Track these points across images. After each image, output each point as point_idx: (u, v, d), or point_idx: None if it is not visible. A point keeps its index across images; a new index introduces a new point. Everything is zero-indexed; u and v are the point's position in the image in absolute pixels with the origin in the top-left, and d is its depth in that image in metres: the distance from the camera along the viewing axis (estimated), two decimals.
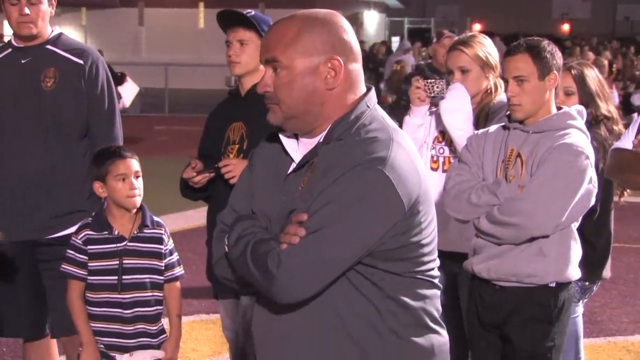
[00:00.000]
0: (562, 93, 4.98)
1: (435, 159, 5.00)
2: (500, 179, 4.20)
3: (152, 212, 4.53)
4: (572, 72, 4.97)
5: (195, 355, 6.98)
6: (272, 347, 2.95)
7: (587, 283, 4.89)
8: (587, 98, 4.93)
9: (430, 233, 2.88)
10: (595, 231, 4.83)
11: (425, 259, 2.88)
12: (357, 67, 2.93)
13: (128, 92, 17.20)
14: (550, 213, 4.06)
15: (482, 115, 4.82)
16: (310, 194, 2.79)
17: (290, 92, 2.85)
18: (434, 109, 5.03)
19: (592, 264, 4.82)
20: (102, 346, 4.43)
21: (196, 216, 9.99)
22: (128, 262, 4.39)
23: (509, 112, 4.28)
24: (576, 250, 4.24)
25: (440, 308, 2.97)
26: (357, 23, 45.29)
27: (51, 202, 4.85)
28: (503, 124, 4.32)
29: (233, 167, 4.60)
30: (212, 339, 7.21)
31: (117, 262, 4.38)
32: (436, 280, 2.94)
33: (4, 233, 4.88)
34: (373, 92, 2.95)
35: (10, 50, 4.99)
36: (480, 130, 4.46)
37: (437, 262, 2.95)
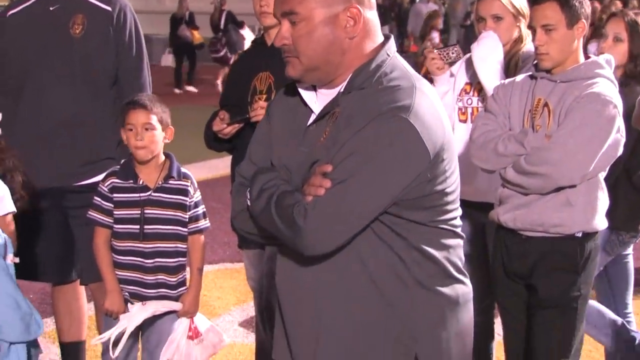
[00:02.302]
0: (610, 39, 4.98)
1: (463, 110, 4.99)
2: (527, 129, 4.18)
3: (178, 162, 4.55)
4: (626, 19, 4.96)
5: (220, 304, 7.04)
6: (296, 299, 2.98)
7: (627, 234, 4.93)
8: (637, 48, 4.92)
9: (454, 182, 2.89)
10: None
11: (449, 207, 2.90)
12: (374, 15, 2.94)
13: (247, 36, 17.44)
14: (577, 162, 4.05)
15: (512, 64, 4.80)
16: (333, 144, 2.80)
17: (309, 43, 2.85)
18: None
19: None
20: (126, 294, 4.47)
21: (221, 165, 10.01)
22: (151, 212, 4.42)
23: (536, 61, 4.27)
24: (603, 200, 4.23)
25: (463, 258, 2.99)
26: None
27: (79, 149, 4.86)
28: (530, 73, 4.30)
29: (264, 112, 4.60)
30: (237, 288, 7.27)
31: (139, 212, 4.41)
32: (459, 230, 2.96)
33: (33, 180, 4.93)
34: (392, 40, 2.96)
35: None
36: (507, 80, 4.44)
37: (460, 212, 2.97)
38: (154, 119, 4.39)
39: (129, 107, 4.44)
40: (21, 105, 4.92)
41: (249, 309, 6.45)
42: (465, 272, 3.00)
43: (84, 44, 4.86)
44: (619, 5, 14.81)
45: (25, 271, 5.11)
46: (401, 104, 2.77)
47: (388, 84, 2.84)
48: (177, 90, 20.53)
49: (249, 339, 6.13)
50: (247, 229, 3.02)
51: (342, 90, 2.88)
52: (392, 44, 2.94)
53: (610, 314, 4.98)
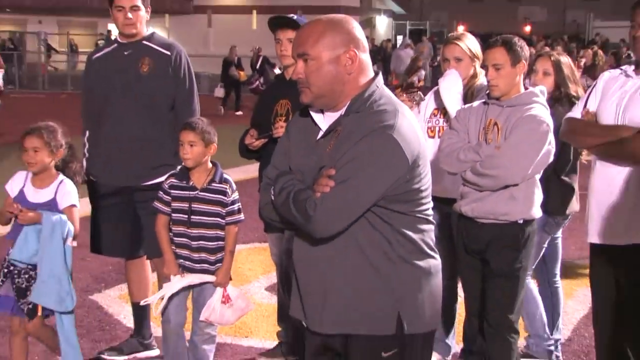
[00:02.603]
0: (541, 74, 4.95)
1: (432, 129, 4.95)
2: (482, 142, 4.16)
3: (222, 168, 4.52)
4: (552, 58, 4.95)
5: (251, 274, 7.02)
6: (308, 270, 2.96)
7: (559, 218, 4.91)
8: (560, 79, 4.91)
9: (427, 182, 2.88)
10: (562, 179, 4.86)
11: (423, 201, 2.88)
12: (367, 57, 2.92)
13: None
14: (519, 167, 4.03)
15: (469, 94, 4.78)
16: (336, 153, 2.79)
17: (318, 77, 2.84)
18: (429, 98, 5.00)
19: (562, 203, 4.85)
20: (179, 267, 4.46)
21: (251, 169, 9.94)
22: (196, 206, 4.39)
23: (488, 91, 4.24)
24: (538, 195, 4.20)
25: (434, 239, 2.96)
26: (370, 25, 44.95)
27: (145, 158, 4.84)
28: (483, 100, 4.28)
29: (284, 130, 4.58)
30: (264, 262, 7.25)
31: (187, 205, 4.39)
32: (431, 218, 2.94)
33: (111, 180, 4.92)
34: (380, 75, 2.94)
35: (116, 45, 4.98)
36: (466, 105, 4.42)
37: (431, 204, 2.95)
38: (197, 138, 4.37)
39: (181, 128, 4.43)
40: (102, 126, 4.91)
41: (273, 278, 6.42)
42: (436, 250, 2.97)
43: (149, 80, 4.84)
44: (546, 48, 14.79)
45: (105, 249, 5.12)
46: (387, 124, 2.76)
47: (377, 108, 2.83)
48: (223, 113, 20.60)
49: (272, 300, 6.10)
50: (271, 217, 3.00)
51: (342, 113, 2.87)
52: (380, 78, 2.93)
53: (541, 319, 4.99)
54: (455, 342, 5.11)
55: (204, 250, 4.42)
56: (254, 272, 7.06)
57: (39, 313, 4.36)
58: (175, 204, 4.42)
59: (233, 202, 4.44)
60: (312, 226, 2.76)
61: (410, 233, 2.86)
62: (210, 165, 4.46)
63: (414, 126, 2.86)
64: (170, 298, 4.44)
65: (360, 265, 2.85)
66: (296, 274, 3.04)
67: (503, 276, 4.18)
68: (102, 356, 5.07)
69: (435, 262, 2.95)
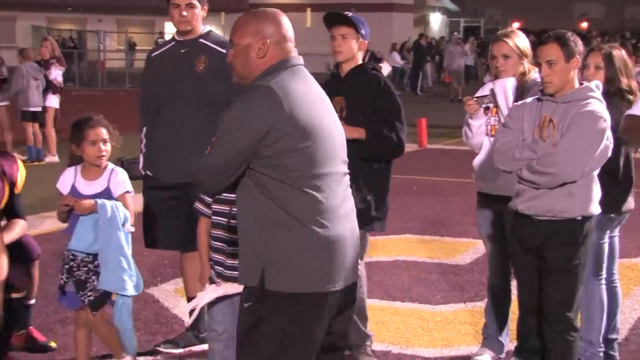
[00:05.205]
0: (593, 68, 4.86)
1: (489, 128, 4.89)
2: (538, 139, 4.11)
3: None
4: (602, 52, 4.85)
5: None
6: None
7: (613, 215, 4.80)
8: (612, 73, 4.81)
9: (292, 153, 3.07)
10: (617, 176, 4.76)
11: (290, 168, 3.06)
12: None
13: (385, 68, 17.92)
14: (577, 164, 3.98)
15: (520, 91, 4.72)
16: None
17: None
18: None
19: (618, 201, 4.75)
20: (212, 273, 4.13)
21: None
22: (236, 210, 4.27)
23: (542, 88, 4.18)
24: (596, 192, 4.14)
25: (322, 210, 3.08)
26: (424, 22, 44.78)
27: (199, 155, 4.84)
28: (537, 97, 4.21)
29: None
30: None
31: (228, 209, 4.26)
32: (310, 191, 3.07)
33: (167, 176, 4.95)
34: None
35: (173, 43, 5.03)
36: (518, 102, 4.37)
37: (322, 179, 3.11)
38: None
39: None
40: (159, 123, 4.96)
41: None
42: (322, 222, 3.07)
43: (205, 78, 4.86)
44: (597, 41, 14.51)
45: (161, 241, 5.16)
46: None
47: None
48: None
49: None
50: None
51: None
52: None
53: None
54: (509, 340, 5.06)
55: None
56: None
57: (99, 304, 4.40)
58: (216, 207, 4.19)
59: None
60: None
61: (281, 198, 3.03)
62: None
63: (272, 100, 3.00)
64: (211, 305, 4.29)
65: (244, 222, 3.15)
66: None
67: (560, 273, 4.13)
68: (159, 349, 5.12)
69: (309, 232, 3.04)
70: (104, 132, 4.38)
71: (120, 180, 4.41)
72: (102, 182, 4.41)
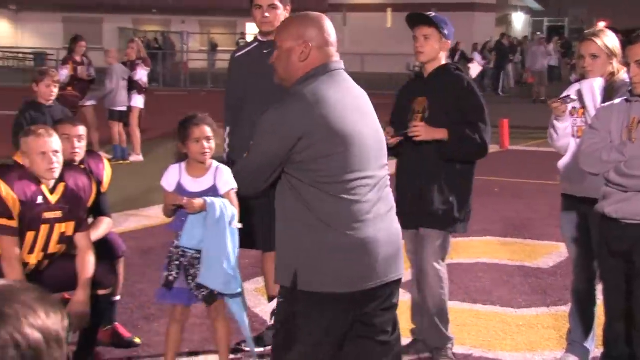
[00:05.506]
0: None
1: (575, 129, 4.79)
2: (626, 141, 4.01)
3: None
4: None
5: None
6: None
7: None
8: None
9: (324, 159, 3.13)
10: None
11: (321, 174, 3.11)
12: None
13: (473, 68, 18.35)
14: None
15: (609, 92, 4.61)
16: None
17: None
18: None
19: None
20: None
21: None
22: None
23: (630, 88, 4.08)
24: None
25: (353, 215, 3.12)
26: (507, 22, 44.22)
27: None
28: (626, 97, 4.11)
29: (419, 129, 4.58)
30: None
31: None
32: (344, 195, 3.13)
33: None
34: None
35: (256, 43, 5.10)
36: (606, 104, 4.26)
37: (356, 184, 3.15)
38: None
39: None
40: (240, 122, 5.01)
41: (407, 275, 6.36)
42: (352, 226, 3.13)
43: None
44: None
45: (243, 242, 5.20)
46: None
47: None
48: None
49: (406, 297, 6.05)
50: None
51: None
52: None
53: None
54: (595, 346, 4.96)
55: None
56: None
57: (214, 297, 4.44)
58: None
59: None
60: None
61: (312, 202, 3.08)
62: None
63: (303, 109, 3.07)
64: None
65: (280, 224, 3.22)
66: None
67: None
68: (240, 347, 5.16)
69: (339, 236, 3.08)
70: (207, 130, 4.44)
71: (226, 177, 4.45)
72: (208, 179, 4.46)
